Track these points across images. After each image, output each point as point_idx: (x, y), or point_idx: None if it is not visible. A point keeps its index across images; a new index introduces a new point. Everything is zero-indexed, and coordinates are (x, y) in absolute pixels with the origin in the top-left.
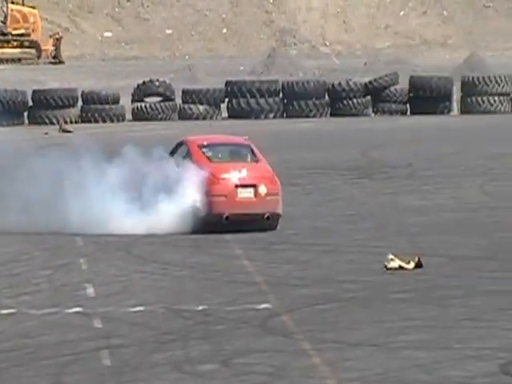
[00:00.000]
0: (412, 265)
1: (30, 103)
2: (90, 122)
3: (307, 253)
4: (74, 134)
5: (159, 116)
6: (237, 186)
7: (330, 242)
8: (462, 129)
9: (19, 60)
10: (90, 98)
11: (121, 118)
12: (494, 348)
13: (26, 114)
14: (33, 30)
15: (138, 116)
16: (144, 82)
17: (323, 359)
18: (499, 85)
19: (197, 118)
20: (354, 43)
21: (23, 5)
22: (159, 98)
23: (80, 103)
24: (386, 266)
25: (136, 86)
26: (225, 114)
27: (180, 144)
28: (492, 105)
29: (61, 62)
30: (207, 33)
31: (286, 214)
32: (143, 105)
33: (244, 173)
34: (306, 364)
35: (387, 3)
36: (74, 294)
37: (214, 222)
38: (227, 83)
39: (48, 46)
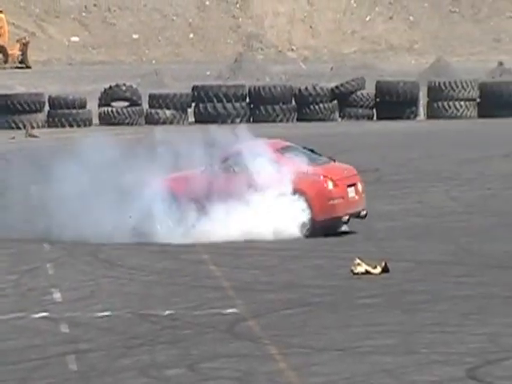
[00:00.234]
0: (379, 270)
1: None
2: (56, 126)
3: (274, 258)
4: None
5: (126, 121)
6: (347, 186)
7: (297, 246)
8: (429, 134)
9: None
10: (56, 103)
11: (88, 122)
12: (460, 353)
13: None
14: None
15: (105, 121)
16: (111, 87)
17: (290, 364)
18: (465, 90)
19: (164, 123)
20: (320, 48)
21: None
22: (126, 103)
23: (47, 108)
24: (352, 271)
25: (103, 90)
26: (192, 118)
27: (234, 154)
28: (458, 110)
29: (28, 67)
30: (174, 38)
31: None
32: (110, 109)
33: (344, 173)
34: (272, 369)
35: (354, 8)
36: (41, 299)
37: (330, 226)
38: (194, 88)
39: (15, 51)
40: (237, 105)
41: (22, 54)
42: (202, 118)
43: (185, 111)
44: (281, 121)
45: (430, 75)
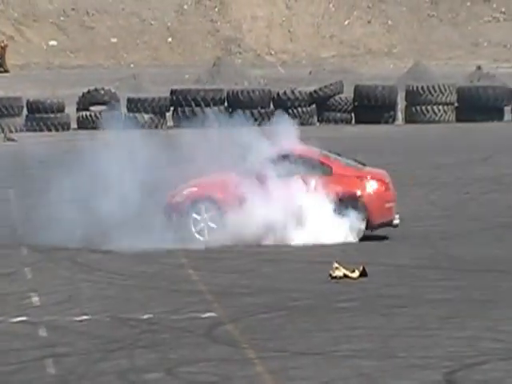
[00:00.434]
0: (357, 273)
1: None
2: (34, 130)
3: (252, 262)
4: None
5: (104, 125)
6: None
7: (276, 250)
8: (407, 138)
9: None
10: (35, 107)
11: (66, 126)
12: (438, 357)
13: None
14: None
15: (84, 125)
16: (89, 91)
17: (268, 368)
18: (443, 94)
19: (142, 127)
20: (299, 52)
21: None
22: (104, 107)
23: (25, 112)
24: (330, 275)
25: (81, 94)
26: (170, 122)
27: (286, 156)
28: (436, 114)
29: (6, 71)
30: (152, 41)
31: None
32: (88, 113)
33: (387, 176)
34: (250, 373)
35: (332, 13)
36: (19, 303)
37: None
38: (172, 92)
39: None
40: (215, 109)
41: (1, 58)
42: (180, 122)
43: (163, 115)
44: (259, 125)
45: (409, 79)
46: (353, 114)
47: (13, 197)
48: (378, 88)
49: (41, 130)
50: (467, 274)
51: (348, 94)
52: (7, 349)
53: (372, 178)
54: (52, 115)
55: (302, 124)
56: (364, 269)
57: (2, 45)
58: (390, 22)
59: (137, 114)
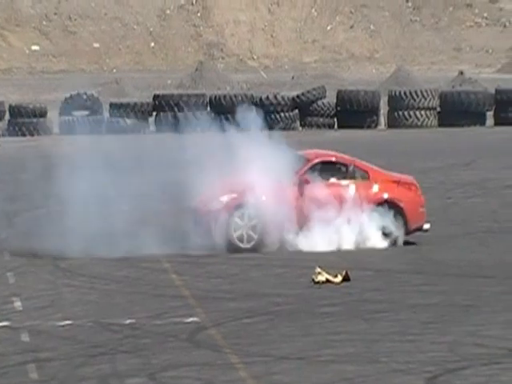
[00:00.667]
0: (339, 278)
1: None
2: (17, 135)
3: (235, 266)
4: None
5: (86, 129)
6: None
7: (259, 255)
8: (389, 143)
9: None
10: (17, 112)
11: (48, 131)
12: (420, 361)
13: None
14: None
15: (66, 129)
16: (71, 96)
17: (251, 372)
18: (426, 99)
19: (124, 132)
20: (281, 57)
21: None
22: (87, 112)
23: (7, 117)
24: (313, 280)
25: (63, 99)
26: (153, 127)
27: (324, 161)
28: (419, 119)
29: None
30: (135, 46)
31: None
32: (71, 118)
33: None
34: (233, 377)
35: (314, 17)
36: (2, 308)
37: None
38: (155, 97)
39: None
40: (198, 114)
41: None
42: (162, 127)
43: (146, 120)
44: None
45: (391, 84)
46: (335, 119)
47: None
48: (360, 93)
49: (23, 135)
50: (450, 279)
51: (331, 98)
52: None
53: (405, 183)
54: (34, 120)
55: (284, 129)
56: (347, 273)
57: None
58: (372, 27)
59: (119, 119)
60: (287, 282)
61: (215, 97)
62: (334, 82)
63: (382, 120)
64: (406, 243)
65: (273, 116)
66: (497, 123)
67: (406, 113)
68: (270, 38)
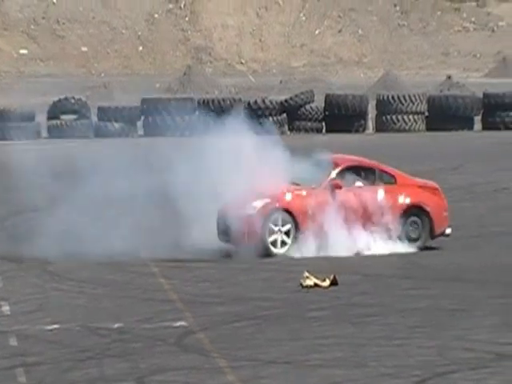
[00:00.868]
0: (327, 282)
1: None
2: (5, 139)
3: (223, 271)
4: None
5: (75, 134)
6: None
7: (246, 259)
8: (377, 147)
9: None
10: (5, 116)
11: (36, 135)
12: (408, 366)
13: None
14: None
15: (54, 134)
16: (60, 100)
17: (238, 376)
18: (414, 103)
19: (112, 136)
20: (269, 61)
21: None
22: (75, 116)
23: None
24: (301, 284)
25: (52, 103)
26: (141, 131)
27: (348, 168)
28: (407, 123)
29: None
30: (123, 50)
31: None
32: (59, 122)
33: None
34: (221, 381)
35: (303, 22)
36: None
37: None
38: (143, 101)
39: None
40: (186, 118)
41: None
42: (151, 131)
43: (134, 124)
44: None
45: (379, 89)
46: (323, 123)
47: None
48: (348, 97)
49: (11, 139)
50: (437, 283)
51: (319, 103)
52: None
53: (430, 188)
54: (22, 124)
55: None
56: (335, 278)
57: None
58: (360, 32)
59: (107, 123)
60: (275, 286)
61: (203, 101)
62: (322, 86)
63: (370, 124)
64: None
65: (261, 120)
66: (484, 128)
67: (393, 117)
68: (258, 42)
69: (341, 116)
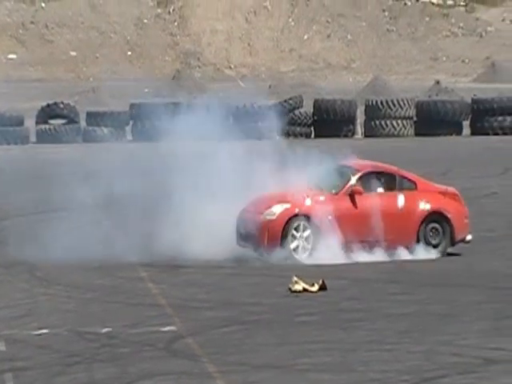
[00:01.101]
0: (316, 287)
1: None
2: None
3: (212, 275)
4: None
5: (63, 138)
6: None
7: (235, 264)
8: (366, 152)
9: None
10: None
11: (25, 140)
12: (397, 371)
13: None
14: None
15: (43, 138)
16: (48, 105)
17: (228, 381)
18: (402, 108)
19: (101, 141)
20: (258, 66)
21: None
22: (63, 121)
23: None
24: (290, 289)
25: (40, 108)
26: (130, 136)
27: (369, 174)
28: (395, 128)
29: None
30: (112, 55)
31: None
32: (47, 127)
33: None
34: None
35: (291, 27)
36: None
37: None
38: (132, 106)
39: None
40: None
41: None
42: (139, 136)
43: (123, 129)
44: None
45: (368, 93)
46: (312, 128)
47: None
48: (337, 102)
49: None
50: (425, 288)
51: (307, 108)
52: None
53: (451, 194)
54: (11, 128)
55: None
56: (323, 282)
57: None
58: (349, 37)
59: (96, 128)
60: (264, 291)
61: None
62: (311, 91)
63: (359, 129)
64: None
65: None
66: (473, 133)
67: (382, 122)
68: (247, 47)
69: (329, 121)
